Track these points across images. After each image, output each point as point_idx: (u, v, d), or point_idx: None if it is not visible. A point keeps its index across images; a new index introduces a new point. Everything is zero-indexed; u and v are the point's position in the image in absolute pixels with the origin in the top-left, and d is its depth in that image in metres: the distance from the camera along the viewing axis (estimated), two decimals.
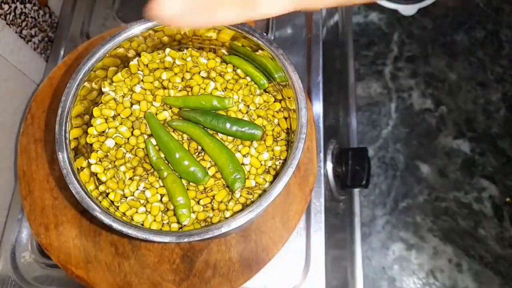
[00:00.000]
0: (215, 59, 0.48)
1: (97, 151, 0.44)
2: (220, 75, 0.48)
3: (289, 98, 0.44)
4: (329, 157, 0.58)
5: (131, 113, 0.45)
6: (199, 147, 0.45)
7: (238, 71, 0.48)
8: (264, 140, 0.45)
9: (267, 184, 0.44)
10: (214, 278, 0.46)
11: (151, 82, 0.47)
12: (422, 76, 1.31)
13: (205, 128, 0.45)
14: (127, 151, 0.44)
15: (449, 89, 1.29)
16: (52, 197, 0.50)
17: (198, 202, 0.43)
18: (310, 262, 0.50)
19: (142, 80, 0.47)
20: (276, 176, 0.42)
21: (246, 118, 0.46)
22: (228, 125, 0.44)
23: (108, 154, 0.44)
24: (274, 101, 0.48)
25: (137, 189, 0.43)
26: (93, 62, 0.42)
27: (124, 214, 0.42)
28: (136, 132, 0.45)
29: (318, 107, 0.56)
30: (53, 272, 0.51)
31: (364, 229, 1.15)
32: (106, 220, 0.37)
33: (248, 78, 0.48)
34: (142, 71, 0.48)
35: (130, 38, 0.44)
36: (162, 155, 0.44)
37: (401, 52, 1.34)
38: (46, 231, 0.49)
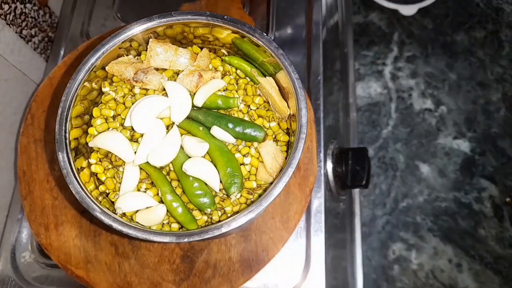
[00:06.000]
0: (216, 59, 0.48)
1: (97, 151, 0.44)
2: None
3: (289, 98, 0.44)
4: (329, 157, 0.58)
5: None
6: None
7: (238, 71, 0.48)
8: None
9: (267, 184, 0.44)
10: (214, 278, 0.46)
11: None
12: (422, 76, 1.31)
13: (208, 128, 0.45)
14: None
15: (449, 89, 1.29)
16: (52, 197, 0.50)
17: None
18: (310, 262, 0.50)
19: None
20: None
21: (246, 118, 0.46)
22: (230, 126, 0.44)
23: (108, 154, 0.44)
24: None
25: (138, 189, 0.43)
26: (93, 62, 0.42)
27: (124, 214, 0.42)
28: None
29: (318, 107, 0.56)
30: (53, 272, 0.51)
31: (364, 229, 1.16)
32: (106, 220, 0.37)
33: (248, 78, 0.48)
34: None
35: (130, 38, 0.44)
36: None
37: (401, 52, 1.34)
38: (46, 231, 0.49)
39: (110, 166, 0.44)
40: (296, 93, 0.41)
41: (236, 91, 0.47)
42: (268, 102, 0.47)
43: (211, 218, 0.43)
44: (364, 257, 0.99)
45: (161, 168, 0.44)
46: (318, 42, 0.60)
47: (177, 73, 0.47)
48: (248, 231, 0.48)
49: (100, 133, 0.44)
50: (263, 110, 0.46)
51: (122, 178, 0.43)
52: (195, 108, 0.46)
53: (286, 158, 0.44)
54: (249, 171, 0.44)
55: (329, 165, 0.58)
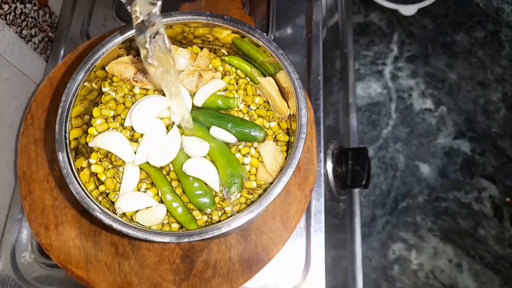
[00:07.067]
0: (216, 59, 0.48)
1: (97, 151, 0.44)
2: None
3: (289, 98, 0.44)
4: (329, 157, 0.58)
5: None
6: None
7: (238, 71, 0.48)
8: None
9: (267, 184, 0.44)
10: (214, 278, 0.46)
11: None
12: (422, 76, 1.31)
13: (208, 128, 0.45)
14: None
15: (449, 89, 1.29)
16: (52, 197, 0.50)
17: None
18: (310, 262, 0.50)
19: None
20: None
21: (246, 118, 0.46)
22: (230, 126, 0.44)
23: (108, 154, 0.44)
24: None
25: (138, 189, 0.43)
26: (93, 62, 0.42)
27: (124, 214, 0.42)
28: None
29: (318, 107, 0.56)
30: (53, 272, 0.51)
31: (364, 229, 1.16)
32: (106, 220, 0.37)
33: (248, 78, 0.48)
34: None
35: (130, 38, 0.44)
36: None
37: (401, 52, 1.34)
38: (46, 231, 0.49)
39: (110, 166, 0.44)
40: (296, 93, 0.41)
41: (236, 91, 0.47)
42: (268, 102, 0.47)
43: (211, 218, 0.43)
44: (364, 257, 0.98)
45: (161, 168, 0.44)
46: (318, 42, 0.60)
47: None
48: (248, 231, 0.48)
49: (100, 133, 0.44)
50: (263, 110, 0.46)
51: (122, 178, 0.43)
52: (195, 108, 0.46)
53: (286, 158, 0.44)
54: (249, 171, 0.44)
55: (329, 165, 0.58)
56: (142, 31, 0.33)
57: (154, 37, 0.34)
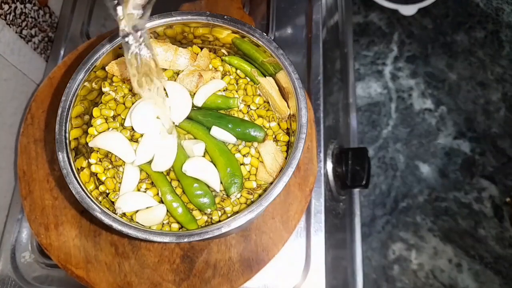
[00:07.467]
0: (216, 59, 0.48)
1: (97, 151, 0.44)
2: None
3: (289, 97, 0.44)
4: (329, 157, 0.58)
5: None
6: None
7: (238, 71, 0.48)
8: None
9: (267, 184, 0.44)
10: (214, 278, 0.46)
11: None
12: (422, 76, 1.31)
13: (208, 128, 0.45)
14: None
15: (449, 89, 1.29)
16: (52, 197, 0.50)
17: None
18: (310, 262, 0.50)
19: None
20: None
21: (246, 118, 0.46)
22: (230, 126, 0.44)
23: (108, 154, 0.44)
24: None
25: (138, 189, 0.43)
26: (93, 62, 0.42)
27: (124, 214, 0.42)
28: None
29: (318, 107, 0.56)
30: (53, 272, 0.51)
31: (364, 229, 1.16)
32: (106, 220, 0.37)
33: (248, 78, 0.48)
34: None
35: None
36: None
37: (401, 52, 1.34)
38: (46, 231, 0.49)
39: (110, 166, 0.44)
40: (296, 93, 0.41)
41: (236, 91, 0.47)
42: (268, 102, 0.47)
43: (211, 218, 0.43)
44: (364, 257, 0.98)
45: None
46: (318, 42, 0.60)
47: (177, 73, 0.47)
48: (248, 231, 0.48)
49: (100, 133, 0.44)
50: (263, 110, 0.46)
51: (122, 178, 0.43)
52: (195, 108, 0.46)
53: (286, 158, 0.44)
54: (249, 171, 0.44)
55: (329, 165, 0.58)
56: (128, 44, 0.33)
57: (141, 51, 0.33)
